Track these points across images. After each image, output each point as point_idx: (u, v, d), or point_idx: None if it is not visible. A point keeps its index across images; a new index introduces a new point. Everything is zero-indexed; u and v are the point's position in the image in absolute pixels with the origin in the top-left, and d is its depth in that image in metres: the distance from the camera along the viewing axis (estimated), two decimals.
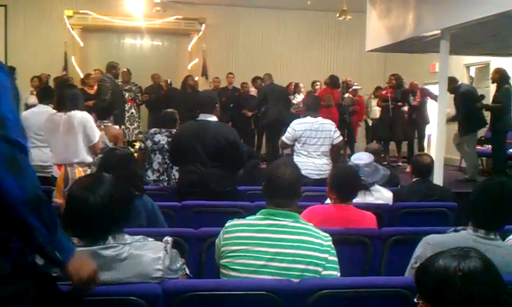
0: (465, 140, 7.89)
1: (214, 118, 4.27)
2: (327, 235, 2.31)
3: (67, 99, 4.22)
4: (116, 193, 2.02)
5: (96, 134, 4.28)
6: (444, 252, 1.45)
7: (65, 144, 4.14)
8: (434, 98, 8.72)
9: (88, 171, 4.19)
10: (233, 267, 2.19)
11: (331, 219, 2.99)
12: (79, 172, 4.09)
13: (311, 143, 5.20)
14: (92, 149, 4.24)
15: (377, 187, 3.89)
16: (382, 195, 3.88)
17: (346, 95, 10.12)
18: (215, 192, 4.05)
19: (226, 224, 2.34)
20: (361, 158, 3.91)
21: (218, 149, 4.13)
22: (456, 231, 2.37)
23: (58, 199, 3.92)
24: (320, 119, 5.34)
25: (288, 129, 5.35)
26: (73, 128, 4.13)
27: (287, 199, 2.31)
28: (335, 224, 2.92)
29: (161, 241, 2.08)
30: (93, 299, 1.89)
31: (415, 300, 1.49)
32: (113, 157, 3.23)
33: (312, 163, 5.13)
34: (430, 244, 2.26)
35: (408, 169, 4.51)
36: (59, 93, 4.46)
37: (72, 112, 4.17)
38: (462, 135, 7.93)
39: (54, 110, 4.43)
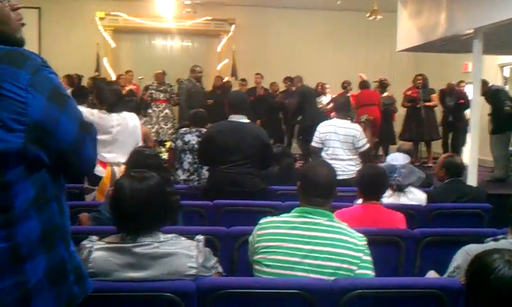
0: (494, 140, 7.78)
1: (245, 118, 4.31)
2: (362, 235, 2.31)
3: (119, 100, 4.27)
4: (160, 190, 2.06)
5: (139, 135, 4.34)
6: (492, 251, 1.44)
7: (116, 144, 4.14)
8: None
9: None
10: (267, 263, 2.21)
11: (357, 219, 2.99)
12: (124, 171, 4.14)
13: (335, 146, 5.13)
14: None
15: (410, 188, 3.87)
16: (415, 196, 3.85)
17: (385, 94, 10.01)
18: (247, 192, 4.07)
19: (260, 221, 2.37)
20: (397, 159, 3.88)
21: (250, 149, 4.17)
22: (495, 240, 2.32)
23: (100, 199, 3.96)
24: (346, 123, 5.26)
25: (315, 132, 5.34)
26: (127, 130, 4.18)
27: (323, 198, 2.33)
28: (361, 224, 2.90)
29: (193, 239, 2.10)
30: (127, 295, 1.94)
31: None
32: (141, 155, 3.30)
33: (335, 165, 5.03)
34: (469, 254, 2.20)
35: (436, 169, 4.43)
36: (111, 94, 4.32)
37: (125, 113, 4.22)
38: (494, 135, 7.81)
39: (87, 109, 4.48)
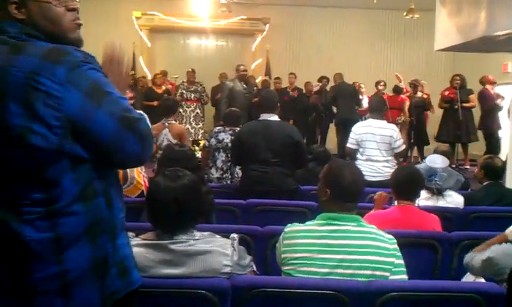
0: None
1: (275, 117, 4.31)
2: (391, 237, 2.24)
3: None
4: (195, 189, 2.08)
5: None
6: None
7: None
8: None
9: (143, 170, 4.30)
10: (297, 275, 2.14)
11: (392, 221, 2.95)
12: (137, 170, 4.19)
13: (370, 147, 5.05)
14: None
15: (448, 191, 3.80)
16: (453, 199, 3.78)
17: (419, 95, 9.87)
18: (279, 191, 4.06)
19: (285, 229, 2.27)
20: (435, 161, 3.81)
21: (282, 148, 4.16)
22: None
23: None
24: (383, 124, 5.17)
25: (351, 134, 5.28)
26: None
27: (354, 202, 2.26)
28: (396, 227, 2.86)
29: (228, 238, 2.11)
30: (163, 291, 1.96)
31: None
32: (171, 152, 3.33)
33: (370, 166, 4.98)
34: (506, 254, 2.17)
35: (476, 171, 4.34)
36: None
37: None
38: None
39: None
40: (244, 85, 9.17)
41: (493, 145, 9.27)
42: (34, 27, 1.48)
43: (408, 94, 9.96)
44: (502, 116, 9.35)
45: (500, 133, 9.41)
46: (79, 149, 1.43)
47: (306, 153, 4.53)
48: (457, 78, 9.42)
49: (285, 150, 4.17)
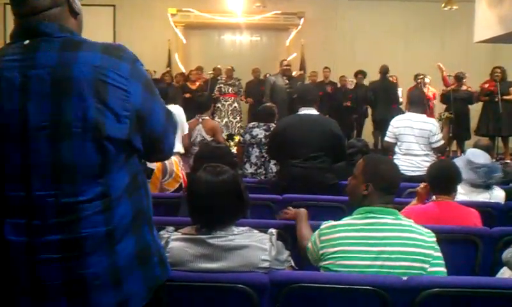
0: None
1: (315, 111, 4.26)
2: (429, 231, 2.24)
3: (164, 95, 4.42)
4: (235, 185, 2.10)
5: (186, 126, 4.45)
6: None
7: None
8: None
9: (181, 163, 4.35)
10: (336, 269, 2.16)
11: (430, 216, 2.91)
12: (176, 162, 4.23)
13: (410, 141, 4.96)
14: (183, 140, 4.43)
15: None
16: (494, 194, 3.70)
17: (463, 88, 9.65)
18: (319, 186, 4.01)
19: (322, 226, 2.31)
20: (479, 156, 3.73)
21: (321, 142, 4.11)
22: None
23: (153, 191, 4.07)
24: (422, 117, 5.07)
25: (389, 127, 5.20)
26: None
27: (394, 194, 2.31)
28: (435, 222, 2.81)
29: (266, 233, 2.12)
30: (202, 285, 1.98)
31: None
32: (207, 149, 3.35)
33: (409, 160, 4.90)
34: None
35: None
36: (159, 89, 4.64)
37: (171, 105, 4.34)
38: None
39: None
40: (287, 80, 9.18)
41: None
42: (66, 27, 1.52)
43: (452, 86, 9.70)
44: None
45: None
46: (138, 140, 1.49)
47: (345, 147, 4.49)
48: (498, 70, 9.18)
49: (325, 145, 4.12)
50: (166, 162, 4.12)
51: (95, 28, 10.78)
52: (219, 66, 10.76)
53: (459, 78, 9.59)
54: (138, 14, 12.64)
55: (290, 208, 2.92)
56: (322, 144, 4.12)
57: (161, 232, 2.06)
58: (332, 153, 4.19)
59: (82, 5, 1.60)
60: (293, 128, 4.19)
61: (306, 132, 4.13)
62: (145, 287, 1.54)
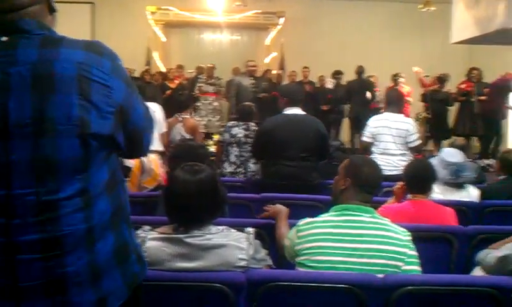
0: None
1: (301, 111, 4.29)
2: (404, 230, 2.27)
3: (142, 93, 4.39)
4: (213, 184, 2.10)
5: (165, 124, 4.42)
6: None
7: None
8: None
9: (160, 161, 4.33)
10: (311, 264, 2.18)
11: (406, 215, 2.95)
12: (154, 160, 4.21)
13: (386, 140, 4.98)
14: (161, 138, 4.41)
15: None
16: (469, 193, 3.76)
17: (444, 89, 9.75)
18: (306, 185, 4.05)
19: (299, 223, 2.34)
20: (453, 155, 3.78)
21: (310, 142, 4.16)
22: None
23: (132, 190, 4.04)
24: (400, 117, 5.09)
25: (366, 127, 5.23)
26: None
27: (370, 193, 2.33)
28: (410, 221, 2.84)
29: (243, 232, 2.12)
30: (179, 284, 1.98)
31: None
32: (182, 148, 3.33)
33: (386, 160, 4.91)
34: None
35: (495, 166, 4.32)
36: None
37: (149, 103, 4.31)
38: None
39: None
40: (252, 81, 9.21)
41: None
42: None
43: (434, 87, 9.81)
44: None
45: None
46: (121, 136, 1.50)
47: (329, 146, 4.55)
48: (475, 71, 9.32)
49: (312, 144, 4.16)
50: (144, 160, 4.10)
51: (73, 25, 10.64)
52: (202, 65, 10.70)
53: (442, 80, 9.69)
54: (117, 12, 12.54)
55: (270, 205, 2.93)
56: (309, 143, 4.15)
57: (138, 231, 2.05)
58: (318, 153, 4.23)
59: (60, 2, 1.59)
60: (282, 128, 4.18)
61: (294, 132, 4.14)
62: (124, 284, 1.54)
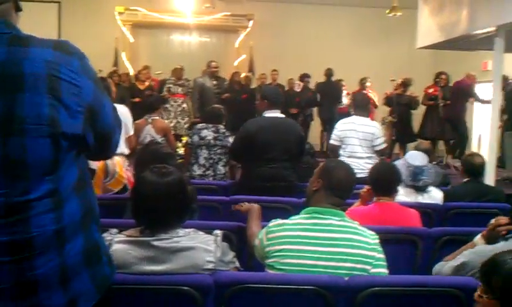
0: (509, 136, 7.76)
1: (280, 114, 4.36)
2: (373, 233, 2.30)
3: (108, 94, 4.31)
4: (181, 186, 2.09)
5: (132, 127, 4.39)
6: None
7: None
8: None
9: (126, 163, 4.28)
10: (279, 267, 2.19)
11: (372, 217, 2.99)
12: (119, 163, 4.17)
13: (353, 143, 5.05)
14: (127, 141, 4.35)
15: (428, 186, 3.85)
16: (433, 195, 3.83)
17: (407, 93, 9.92)
18: (287, 186, 4.13)
19: (269, 224, 2.35)
20: (416, 158, 3.85)
21: (291, 144, 4.24)
22: (505, 239, 2.28)
23: (97, 192, 3.99)
24: (366, 121, 5.16)
25: (334, 130, 5.29)
26: None
27: (343, 199, 2.36)
28: (376, 223, 2.88)
29: (211, 234, 2.12)
30: (146, 288, 1.96)
31: (478, 292, 1.48)
32: (149, 150, 3.30)
33: (353, 162, 4.95)
34: (479, 256, 2.17)
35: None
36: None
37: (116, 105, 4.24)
38: (509, 131, 7.81)
39: None
40: (214, 81, 9.20)
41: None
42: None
43: (397, 91, 9.97)
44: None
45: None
46: (91, 136, 1.49)
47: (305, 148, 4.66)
48: (443, 76, 9.51)
49: (292, 146, 4.26)
50: (108, 162, 4.05)
51: (39, 25, 10.43)
52: (178, 67, 10.55)
53: (405, 84, 9.86)
54: (84, 11, 12.34)
55: (246, 203, 2.93)
56: (289, 146, 4.24)
57: (104, 234, 2.02)
58: (296, 155, 4.32)
59: (27, 1, 1.57)
60: (265, 131, 4.21)
61: (277, 135, 4.20)
62: (94, 286, 1.52)
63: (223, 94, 9.57)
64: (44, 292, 1.41)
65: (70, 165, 1.45)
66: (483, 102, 9.05)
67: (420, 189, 3.81)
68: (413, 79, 10.00)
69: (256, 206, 2.85)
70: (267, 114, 4.31)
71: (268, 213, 2.98)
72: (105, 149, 1.65)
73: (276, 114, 4.31)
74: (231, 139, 5.19)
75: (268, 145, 4.17)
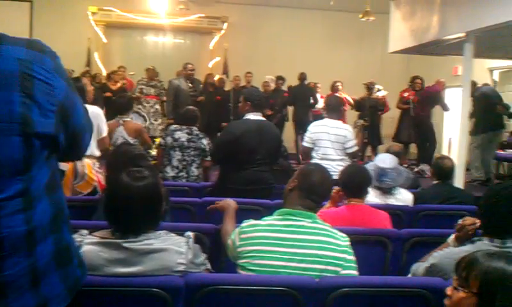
0: (478, 140, 7.92)
1: (262, 117, 4.38)
2: (344, 235, 2.32)
3: (81, 94, 4.24)
4: (155, 190, 2.07)
5: (105, 128, 4.34)
6: (497, 254, 1.49)
7: None
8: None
9: (97, 165, 4.24)
10: (251, 268, 2.20)
11: (343, 219, 3.02)
12: (88, 165, 4.13)
13: (325, 146, 5.08)
14: (101, 142, 4.30)
15: (398, 189, 3.90)
16: (403, 197, 3.89)
17: (374, 96, 10.04)
18: (268, 188, 4.18)
19: (242, 225, 2.36)
20: (385, 160, 3.90)
21: (271, 147, 4.28)
22: (472, 242, 2.33)
23: (66, 193, 3.95)
24: (338, 123, 5.20)
25: (306, 132, 5.32)
26: None
27: (316, 202, 2.37)
28: (347, 225, 2.92)
29: (183, 236, 2.11)
30: (116, 290, 1.94)
31: (451, 287, 1.51)
32: (120, 152, 3.28)
33: (325, 165, 4.99)
34: (448, 258, 2.22)
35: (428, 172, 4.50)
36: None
37: (89, 106, 4.19)
38: (475, 135, 7.95)
39: None
40: (190, 84, 9.19)
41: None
42: None
43: (363, 95, 10.14)
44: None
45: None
46: (62, 136, 1.47)
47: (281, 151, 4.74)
48: (418, 80, 9.66)
49: (272, 149, 4.31)
50: (78, 164, 4.01)
51: (10, 24, 10.30)
52: (150, 67, 10.46)
53: (369, 88, 10.01)
54: (57, 11, 12.19)
55: (224, 200, 2.93)
56: (270, 148, 4.28)
57: (74, 235, 1.99)
58: (274, 157, 4.38)
59: None
60: (250, 134, 4.21)
61: (260, 138, 4.22)
62: (65, 289, 1.50)
63: (198, 97, 9.54)
64: (13, 294, 1.38)
65: (41, 165, 1.44)
66: (446, 109, 9.29)
67: (386, 191, 3.85)
68: (383, 82, 10.16)
69: (232, 202, 2.85)
70: (250, 117, 4.30)
71: (240, 215, 2.99)
72: (76, 151, 1.63)
73: (259, 117, 4.32)
74: (205, 141, 5.18)
75: (253, 148, 4.19)
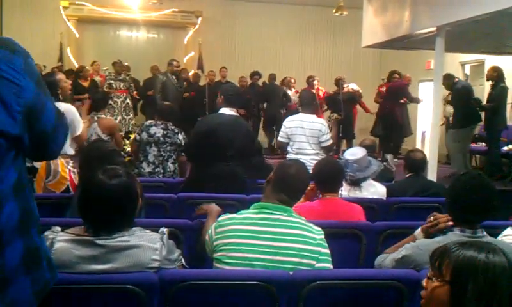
0: (459, 134, 7.99)
1: (234, 112, 4.35)
2: (319, 228, 2.35)
3: (52, 91, 4.17)
4: (129, 188, 2.06)
5: (80, 126, 4.27)
6: (469, 243, 1.53)
7: None
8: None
9: (70, 163, 4.19)
10: (226, 260, 2.21)
11: (317, 213, 3.04)
12: (61, 163, 4.08)
13: (300, 140, 5.11)
14: (76, 140, 4.24)
15: (371, 181, 3.94)
16: (376, 190, 3.92)
17: (345, 90, 10.11)
18: (241, 183, 4.13)
19: (219, 219, 2.38)
20: (353, 153, 3.94)
21: (243, 142, 4.23)
22: (444, 233, 2.37)
23: (38, 191, 3.90)
24: (312, 118, 5.22)
25: (282, 127, 5.34)
26: None
27: (291, 198, 2.39)
28: (321, 218, 2.93)
29: (157, 232, 2.11)
30: (90, 287, 1.93)
31: (428, 275, 1.54)
32: (93, 149, 3.24)
33: (300, 159, 5.03)
34: (420, 249, 2.25)
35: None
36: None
37: (59, 103, 4.12)
38: (455, 129, 8.04)
39: None
40: (175, 79, 9.18)
41: None
42: None
43: (332, 91, 10.22)
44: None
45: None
46: (27, 137, 1.45)
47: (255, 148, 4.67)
48: (396, 75, 9.76)
49: (244, 144, 4.25)
50: (51, 162, 3.96)
51: None
52: (117, 61, 10.35)
53: (338, 83, 10.09)
54: (28, 5, 11.98)
55: (207, 204, 2.94)
56: (242, 143, 4.23)
57: (46, 232, 1.98)
58: (247, 153, 4.31)
59: None
60: (224, 126, 4.19)
61: (233, 133, 4.18)
62: (33, 292, 1.48)
63: (184, 93, 9.57)
64: None
65: (9, 165, 1.42)
66: (413, 100, 9.44)
67: (355, 183, 3.88)
68: (356, 77, 10.28)
69: (216, 207, 2.85)
70: (226, 111, 4.28)
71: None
72: (47, 151, 1.61)
73: (232, 112, 4.30)
74: (181, 136, 5.16)
75: (226, 142, 4.16)
